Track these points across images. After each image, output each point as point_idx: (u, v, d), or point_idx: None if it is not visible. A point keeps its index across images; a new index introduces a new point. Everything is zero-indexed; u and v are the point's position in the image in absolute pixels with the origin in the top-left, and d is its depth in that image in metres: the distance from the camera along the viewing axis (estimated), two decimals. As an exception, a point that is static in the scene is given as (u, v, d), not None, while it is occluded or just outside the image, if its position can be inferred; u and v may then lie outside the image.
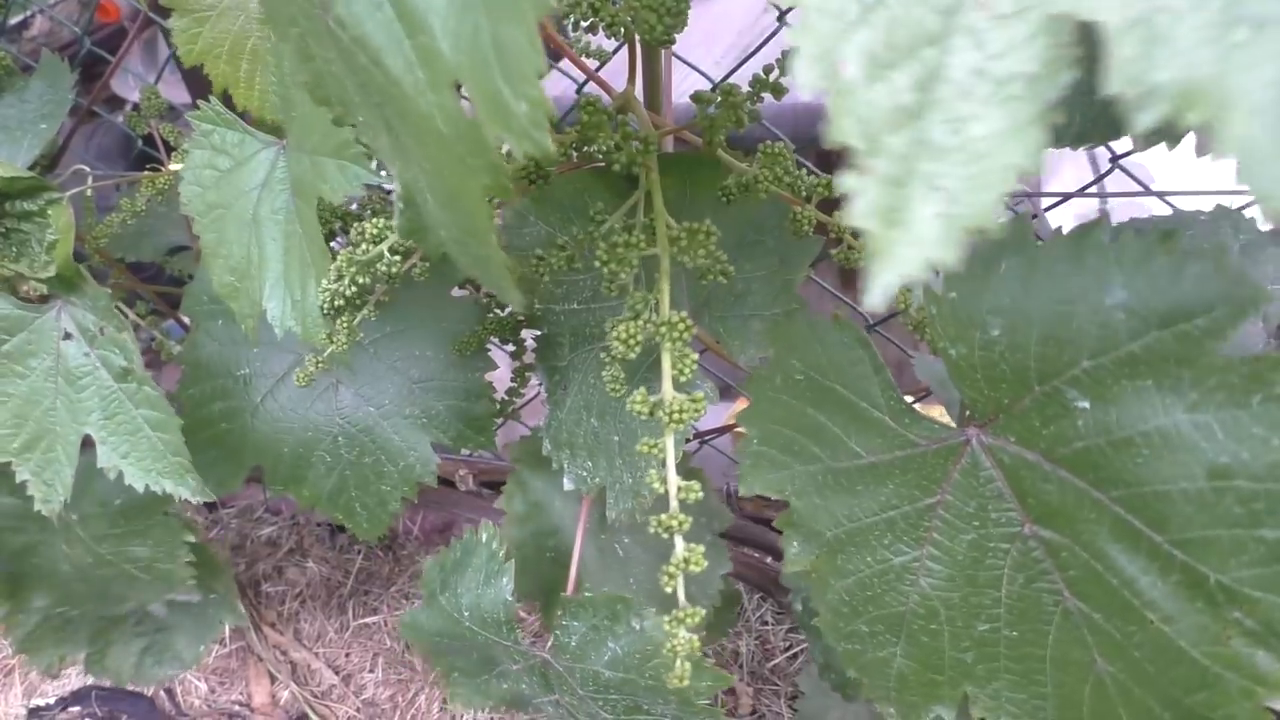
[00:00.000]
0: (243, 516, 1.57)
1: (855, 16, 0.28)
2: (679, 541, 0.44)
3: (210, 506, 1.57)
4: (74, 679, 1.39)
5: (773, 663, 1.32)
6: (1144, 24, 0.29)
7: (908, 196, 0.28)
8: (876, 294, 0.27)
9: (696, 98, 0.52)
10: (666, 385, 0.44)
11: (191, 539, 0.96)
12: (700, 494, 0.44)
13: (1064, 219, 1.07)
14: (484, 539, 0.66)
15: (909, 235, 0.27)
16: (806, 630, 0.83)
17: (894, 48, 0.28)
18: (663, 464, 0.44)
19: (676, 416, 0.43)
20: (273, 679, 1.37)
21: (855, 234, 0.56)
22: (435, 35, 0.27)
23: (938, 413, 0.56)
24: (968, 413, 0.46)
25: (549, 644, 0.62)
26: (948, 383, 0.50)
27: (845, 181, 0.27)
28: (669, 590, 0.44)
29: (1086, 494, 0.43)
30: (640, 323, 0.45)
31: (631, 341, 0.46)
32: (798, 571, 0.51)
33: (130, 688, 1.35)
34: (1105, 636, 0.44)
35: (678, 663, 0.45)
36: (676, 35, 0.46)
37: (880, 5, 0.28)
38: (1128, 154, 0.81)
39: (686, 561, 0.44)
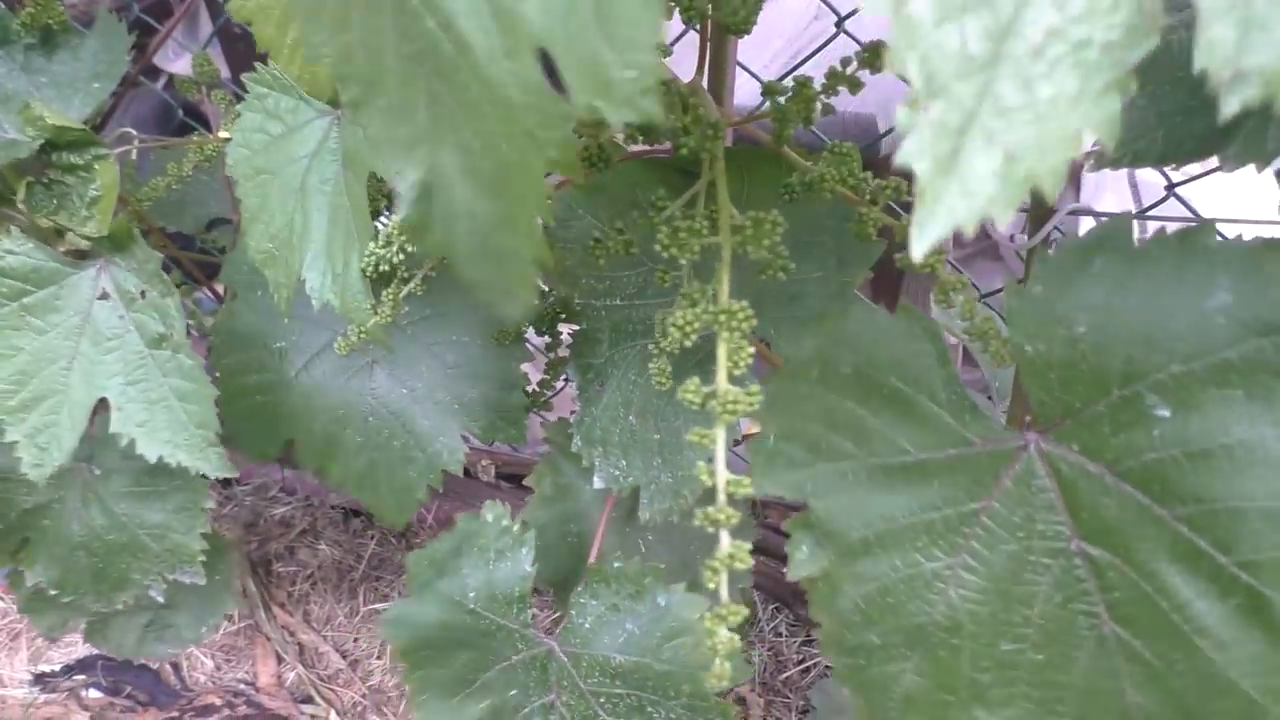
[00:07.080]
0: (257, 494, 1.56)
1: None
2: (724, 536, 0.43)
3: (225, 483, 1.57)
4: (80, 648, 1.39)
5: (785, 675, 1.30)
6: (1242, 6, 0.28)
7: (965, 146, 0.26)
8: (921, 243, 0.25)
9: (769, 89, 0.51)
10: (721, 376, 0.43)
11: (211, 505, 0.95)
12: (751, 489, 0.43)
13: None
14: (490, 519, 0.64)
15: (961, 185, 0.26)
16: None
17: None
18: (711, 457, 0.43)
19: (730, 408, 0.42)
20: (280, 659, 1.37)
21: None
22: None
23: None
24: (1028, 418, 0.45)
25: (558, 630, 0.61)
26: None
27: (900, 117, 0.26)
28: (711, 586, 0.43)
29: (1148, 510, 0.41)
30: (698, 310, 0.44)
31: (689, 329, 0.44)
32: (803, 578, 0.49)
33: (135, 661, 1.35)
34: (1142, 666, 0.43)
35: (717, 661, 0.44)
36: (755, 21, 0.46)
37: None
38: (1183, 182, 0.79)
39: (731, 558, 0.43)
